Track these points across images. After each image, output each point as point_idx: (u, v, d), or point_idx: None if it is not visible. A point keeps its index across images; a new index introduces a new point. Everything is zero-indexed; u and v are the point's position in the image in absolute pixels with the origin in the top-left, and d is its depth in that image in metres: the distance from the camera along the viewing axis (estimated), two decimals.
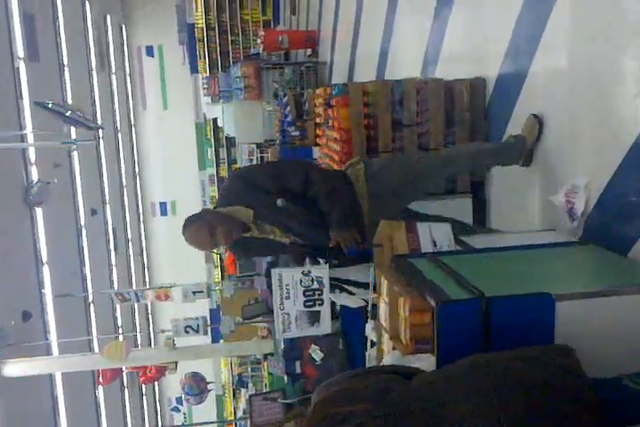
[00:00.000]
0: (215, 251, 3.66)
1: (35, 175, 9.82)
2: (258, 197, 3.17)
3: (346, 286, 3.18)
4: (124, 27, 19.37)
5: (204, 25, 16.98)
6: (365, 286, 3.06)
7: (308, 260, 3.29)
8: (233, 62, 17.05)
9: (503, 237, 3.27)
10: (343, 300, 3.18)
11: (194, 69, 17.73)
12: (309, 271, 2.90)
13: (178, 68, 19.49)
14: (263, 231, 3.27)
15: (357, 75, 8.25)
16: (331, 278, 2.96)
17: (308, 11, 12.22)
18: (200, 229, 3.10)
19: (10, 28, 9.30)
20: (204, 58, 17.09)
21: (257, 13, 16.96)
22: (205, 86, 16.02)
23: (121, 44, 18.98)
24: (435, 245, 2.81)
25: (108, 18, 17.09)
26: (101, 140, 14.58)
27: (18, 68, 9.42)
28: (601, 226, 2.97)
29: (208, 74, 17.16)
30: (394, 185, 3.32)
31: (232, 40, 17.12)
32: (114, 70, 17.36)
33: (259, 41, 12.20)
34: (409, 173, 3.40)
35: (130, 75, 19.93)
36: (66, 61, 11.99)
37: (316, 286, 2.90)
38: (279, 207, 3.14)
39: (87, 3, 14.46)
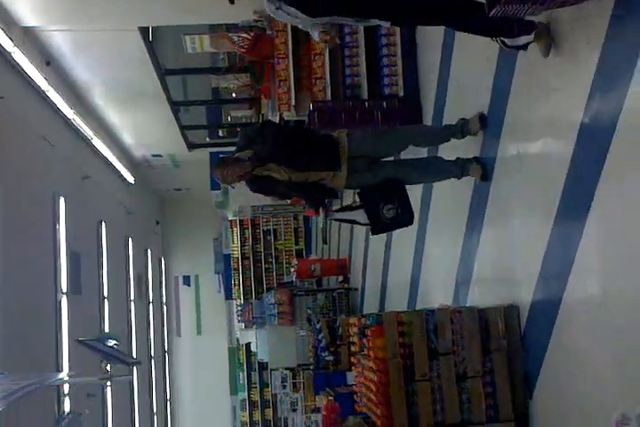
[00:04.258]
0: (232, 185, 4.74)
1: (67, 406, 9.71)
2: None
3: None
4: (163, 259, 20.26)
5: (240, 255, 17.66)
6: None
7: None
8: (267, 289, 17.49)
9: None
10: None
11: (228, 296, 18.10)
12: None
13: (213, 295, 19.98)
14: (265, 169, 4.48)
15: (389, 300, 8.40)
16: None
17: (339, 240, 12.76)
18: (218, 170, 4.51)
19: (57, 265, 9.84)
20: (239, 285, 17.53)
21: (290, 243, 17.68)
22: (239, 313, 16.34)
23: (159, 275, 19.72)
24: None
25: (149, 252, 17.97)
26: (135, 369, 14.58)
27: (60, 301, 9.79)
28: None
29: (242, 300, 17.52)
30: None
31: (266, 268, 17.63)
32: (151, 299, 17.86)
33: (292, 270, 12.63)
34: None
35: (166, 303, 20.42)
36: (106, 293, 12.41)
37: None
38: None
39: (130, 239, 15.29)
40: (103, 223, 12.73)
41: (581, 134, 3.55)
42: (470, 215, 5.22)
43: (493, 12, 3.53)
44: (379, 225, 4.88)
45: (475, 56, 4.97)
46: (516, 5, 3.49)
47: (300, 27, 4.38)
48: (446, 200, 5.82)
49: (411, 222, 5.02)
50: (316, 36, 4.32)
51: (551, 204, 3.79)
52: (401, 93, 6.81)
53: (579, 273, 3.56)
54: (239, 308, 16.30)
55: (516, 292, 4.32)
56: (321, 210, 4.98)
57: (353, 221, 5.17)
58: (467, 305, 5.00)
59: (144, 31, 9.30)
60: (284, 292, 11.57)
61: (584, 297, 3.57)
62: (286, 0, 3.86)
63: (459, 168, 4.80)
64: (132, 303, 14.99)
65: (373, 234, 5.20)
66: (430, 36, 6.51)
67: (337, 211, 5.08)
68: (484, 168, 4.70)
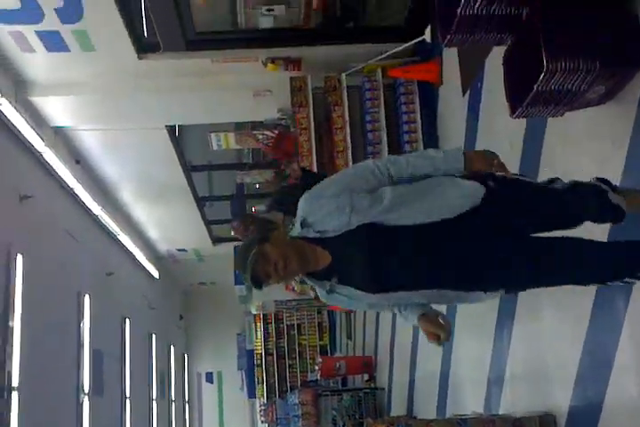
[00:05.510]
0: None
1: None
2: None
3: None
4: (186, 355, 19.95)
5: (263, 350, 17.40)
6: None
7: None
8: (290, 388, 17.07)
9: None
10: None
11: (251, 394, 17.73)
12: None
13: (236, 392, 19.53)
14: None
15: (417, 400, 8.08)
16: None
17: (364, 335, 12.51)
18: (240, 223, 4.95)
19: (80, 364, 9.66)
20: (262, 383, 17.20)
21: (314, 339, 17.41)
22: (263, 412, 15.85)
23: (182, 372, 19.35)
24: None
25: (172, 347, 17.71)
26: None
27: (82, 403, 9.54)
28: None
29: (265, 399, 17.09)
30: None
31: (290, 364, 17.34)
32: (173, 397, 17.42)
33: (317, 368, 12.33)
34: None
35: (189, 401, 19.92)
36: (128, 393, 12.11)
37: None
38: None
39: (154, 335, 15.10)
40: (127, 320, 12.60)
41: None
42: (500, 313, 5.05)
43: (517, 113, 3.52)
44: None
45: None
46: (540, 107, 3.47)
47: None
48: None
49: None
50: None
51: (586, 300, 3.64)
52: None
53: (619, 375, 3.36)
54: (262, 407, 15.83)
55: (552, 397, 4.10)
56: None
57: None
58: (499, 413, 4.75)
59: (171, 129, 9.50)
60: (308, 391, 11.25)
61: (627, 401, 3.36)
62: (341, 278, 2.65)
63: None
64: (154, 402, 14.61)
65: None
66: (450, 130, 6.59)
67: None
68: None
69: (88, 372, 9.84)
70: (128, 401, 12.11)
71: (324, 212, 2.53)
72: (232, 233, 5.15)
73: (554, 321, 4.22)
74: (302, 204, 2.60)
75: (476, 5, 3.09)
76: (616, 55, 3.23)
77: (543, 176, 4.16)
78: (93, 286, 10.47)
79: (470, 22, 3.54)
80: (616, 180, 3.36)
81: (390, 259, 2.52)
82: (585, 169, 3.74)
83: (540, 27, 3.15)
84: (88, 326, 9.98)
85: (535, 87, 3.27)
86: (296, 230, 2.61)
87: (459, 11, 3.41)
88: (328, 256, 2.59)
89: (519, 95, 3.47)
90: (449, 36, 3.66)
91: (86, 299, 10.07)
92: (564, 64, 3.14)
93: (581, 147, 3.91)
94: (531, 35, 3.31)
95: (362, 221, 2.49)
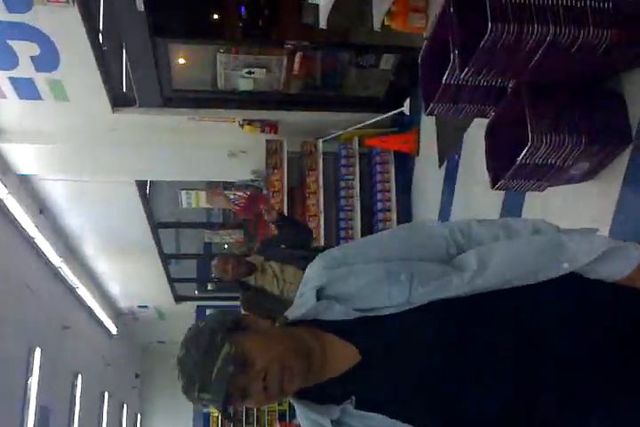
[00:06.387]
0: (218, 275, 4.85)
1: None
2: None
3: None
4: (139, 415, 19.24)
5: (220, 415, 16.89)
6: None
7: None
8: None
9: None
10: None
11: None
12: None
13: None
14: (264, 279, 4.60)
15: None
16: None
17: None
18: (220, 259, 4.71)
19: (23, 421, 9.15)
20: None
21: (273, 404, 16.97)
22: None
23: None
24: None
25: (125, 406, 17.05)
26: None
27: None
28: None
29: None
30: None
31: None
32: None
33: None
34: None
35: None
36: None
37: None
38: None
39: (106, 393, 14.54)
40: (79, 375, 12.07)
41: None
42: None
43: (498, 186, 3.42)
44: None
45: None
46: (522, 181, 3.39)
47: None
48: None
49: None
50: None
51: None
52: None
53: None
54: None
55: None
56: None
57: None
58: None
59: (141, 184, 9.32)
60: None
61: None
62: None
63: None
64: None
65: None
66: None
67: None
68: None
69: None
70: None
71: (361, 282, 1.47)
72: (214, 273, 4.94)
73: None
74: (316, 269, 1.55)
75: (462, 75, 3.02)
76: (602, 132, 3.17)
77: None
78: (46, 340, 10.02)
79: (454, 92, 3.48)
80: None
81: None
82: None
83: (527, 100, 3.09)
84: (36, 381, 9.49)
85: (518, 160, 3.18)
86: (301, 307, 1.52)
87: (444, 79, 3.35)
88: (352, 355, 1.47)
89: (501, 167, 3.39)
90: (432, 105, 3.60)
91: (37, 353, 9.61)
92: (549, 138, 3.06)
93: (561, 223, 3.82)
94: (515, 107, 3.24)
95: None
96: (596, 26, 2.87)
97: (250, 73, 7.04)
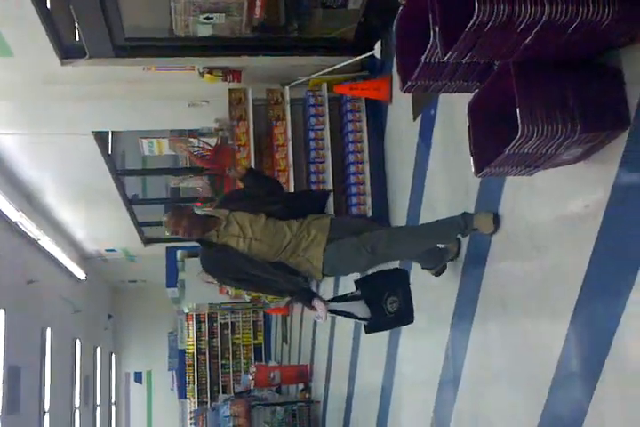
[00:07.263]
0: (170, 235, 4.30)
1: None
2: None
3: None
4: (114, 355, 19.31)
5: (195, 350, 17.13)
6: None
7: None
8: (223, 389, 16.77)
9: None
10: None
11: (182, 394, 17.44)
12: None
13: (166, 393, 19.12)
14: (228, 234, 4.21)
15: (355, 413, 7.78)
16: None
17: (300, 342, 12.19)
18: (171, 217, 4.17)
19: None
20: (194, 383, 16.98)
21: (248, 338, 17.21)
22: (193, 420, 15.41)
23: (109, 373, 18.69)
24: None
25: (99, 349, 17.06)
26: None
27: None
28: None
29: (197, 402, 16.76)
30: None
31: (223, 364, 17.16)
32: (99, 402, 16.77)
33: (250, 377, 11.98)
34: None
35: (115, 403, 19.31)
36: (47, 407, 11.46)
37: None
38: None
39: (78, 340, 14.45)
40: (48, 329, 11.89)
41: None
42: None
43: (482, 173, 3.13)
44: (379, 321, 4.18)
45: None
46: (508, 168, 3.10)
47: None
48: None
49: (411, 321, 4.35)
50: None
51: None
52: (369, 214, 6.59)
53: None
54: (192, 415, 15.36)
55: None
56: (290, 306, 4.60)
57: (348, 314, 4.21)
58: None
59: (101, 134, 8.88)
60: (240, 403, 10.88)
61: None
62: None
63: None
64: (77, 411, 13.95)
65: (368, 332, 4.36)
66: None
67: (331, 300, 4.21)
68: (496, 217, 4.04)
69: (2, 390, 9.17)
70: (47, 415, 11.44)
71: None
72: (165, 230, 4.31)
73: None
74: None
75: (445, 58, 2.67)
76: (598, 118, 2.87)
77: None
78: (10, 298, 9.76)
79: (435, 70, 3.13)
80: None
81: None
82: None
83: (516, 86, 2.75)
84: (3, 342, 9.28)
85: (506, 151, 2.88)
86: None
87: (422, 58, 3.00)
88: None
89: (485, 153, 3.08)
90: (409, 82, 3.24)
91: (0, 314, 9.36)
92: (540, 128, 2.75)
93: (543, 199, 3.59)
94: (503, 87, 2.91)
95: None
96: (597, 2, 2.53)
97: (208, 18, 6.53)
